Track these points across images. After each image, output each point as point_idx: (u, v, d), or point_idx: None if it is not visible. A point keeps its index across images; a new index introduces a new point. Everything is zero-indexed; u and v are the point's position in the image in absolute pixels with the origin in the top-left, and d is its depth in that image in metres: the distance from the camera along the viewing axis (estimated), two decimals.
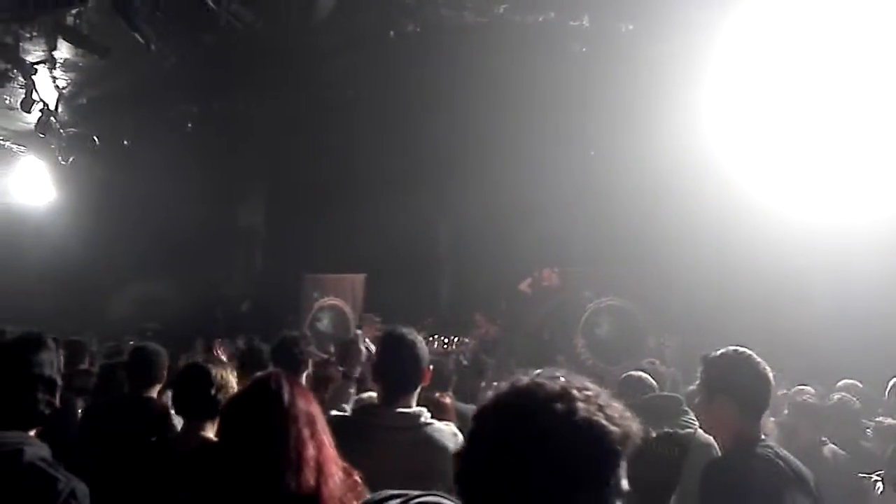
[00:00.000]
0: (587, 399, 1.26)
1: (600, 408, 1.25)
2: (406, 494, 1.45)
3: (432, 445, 2.83)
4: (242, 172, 13.06)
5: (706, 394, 2.95)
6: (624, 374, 4.63)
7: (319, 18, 6.32)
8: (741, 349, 2.97)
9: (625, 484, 1.26)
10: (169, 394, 3.54)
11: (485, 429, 1.29)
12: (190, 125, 10.18)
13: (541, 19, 7.34)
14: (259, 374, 2.29)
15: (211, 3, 6.58)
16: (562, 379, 1.30)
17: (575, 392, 1.26)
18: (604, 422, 1.24)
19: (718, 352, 2.99)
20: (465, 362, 6.93)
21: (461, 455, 1.31)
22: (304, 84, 9.33)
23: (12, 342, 2.30)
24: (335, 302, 13.19)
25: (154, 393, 4.02)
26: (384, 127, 10.64)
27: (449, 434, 2.90)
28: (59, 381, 2.32)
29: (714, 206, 10.68)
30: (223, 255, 13.39)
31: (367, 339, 3.66)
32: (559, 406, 1.24)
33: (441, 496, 1.43)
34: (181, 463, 2.79)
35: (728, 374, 2.88)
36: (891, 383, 4.49)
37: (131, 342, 6.09)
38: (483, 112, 9.67)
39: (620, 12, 7.49)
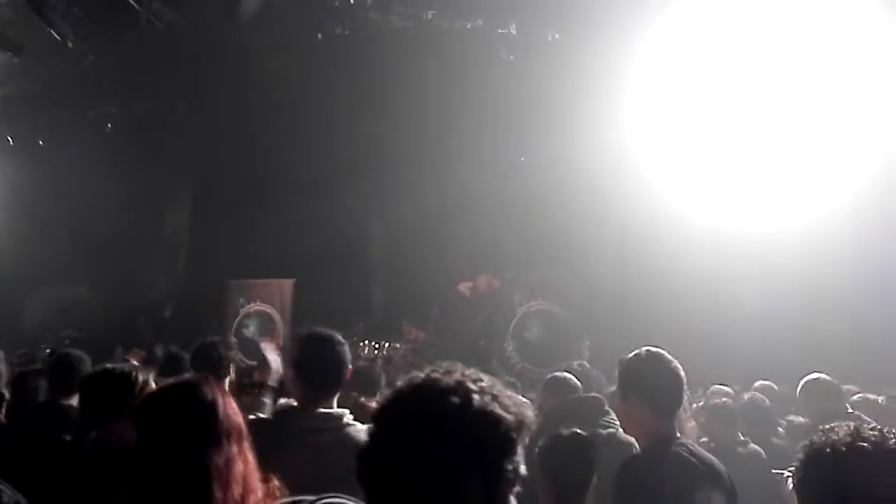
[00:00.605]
0: (482, 390, 1.30)
1: (494, 397, 1.30)
2: (302, 500, 1.46)
3: (354, 445, 2.82)
4: (166, 174, 12.71)
5: (620, 394, 3.02)
6: (549, 376, 4.70)
7: (244, 19, 6.21)
8: (653, 349, 3.02)
9: (522, 469, 1.30)
10: None
11: (383, 423, 1.32)
12: (109, 125, 9.87)
13: (469, 26, 7.40)
14: (189, 376, 2.24)
15: (132, 1, 6.41)
16: (457, 373, 1.34)
17: (470, 384, 1.30)
18: (498, 410, 1.28)
19: (632, 353, 3.06)
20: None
21: (362, 453, 1.33)
22: (229, 85, 9.17)
23: None
24: (262, 308, 12.97)
25: (75, 401, 3.88)
26: (312, 129, 10.54)
27: None
28: None
29: (639, 211, 10.96)
30: (146, 260, 13.00)
31: (273, 351, 3.59)
32: (454, 398, 1.27)
33: (342, 497, 1.43)
34: (94, 464, 2.71)
35: (639, 374, 2.93)
36: (801, 383, 4.68)
37: (47, 350, 5.87)
38: (412, 115, 9.70)
39: (547, 21, 7.62)
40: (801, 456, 1.93)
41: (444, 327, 11.81)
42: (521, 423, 1.30)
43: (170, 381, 2.29)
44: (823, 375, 4.59)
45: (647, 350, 3.03)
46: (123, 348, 9.10)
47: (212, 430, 2.07)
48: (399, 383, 1.36)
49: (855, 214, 7.81)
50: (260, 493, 2.10)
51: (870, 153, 7.71)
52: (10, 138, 9.85)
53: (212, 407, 2.11)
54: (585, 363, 6.53)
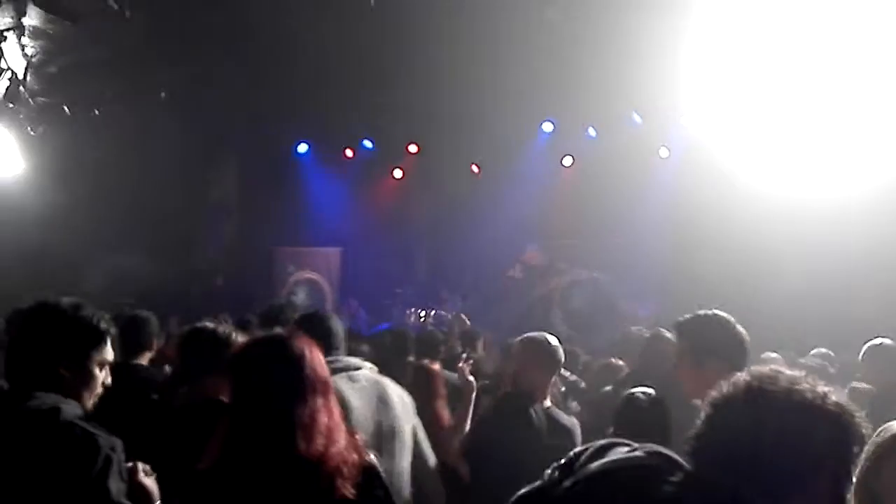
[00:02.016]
0: (826, 394, 1.41)
1: (840, 406, 1.41)
2: (630, 444, 1.55)
3: None
4: (215, 143, 12.88)
5: (693, 359, 2.95)
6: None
7: None
8: (719, 313, 3.00)
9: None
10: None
11: (735, 413, 1.41)
12: (163, 93, 9.99)
13: None
14: (279, 331, 2.31)
15: None
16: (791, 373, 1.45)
17: (819, 388, 1.42)
18: (849, 417, 1.41)
19: (696, 315, 3.00)
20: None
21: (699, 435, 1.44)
22: (277, 51, 9.20)
23: (36, 309, 2.32)
24: (311, 276, 13.18)
25: (144, 360, 4.01)
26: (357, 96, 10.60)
27: None
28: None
29: (688, 180, 10.84)
30: (197, 228, 13.23)
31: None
32: (810, 396, 1.38)
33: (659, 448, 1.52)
34: (180, 418, 2.81)
35: (718, 337, 2.90)
36: (864, 348, 4.63)
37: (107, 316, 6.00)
38: (453, 82, 9.68)
39: None
40: (869, 449, 1.98)
41: (491, 297, 11.90)
42: (863, 436, 1.43)
43: (261, 334, 2.37)
44: (887, 340, 4.53)
45: (715, 313, 2.99)
46: (179, 318, 9.30)
47: (299, 383, 2.15)
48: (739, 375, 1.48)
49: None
50: (342, 444, 2.17)
51: None
52: (66, 108, 10.01)
53: (300, 360, 2.18)
54: (642, 328, 6.52)
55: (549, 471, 1.60)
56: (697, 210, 10.35)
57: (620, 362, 5.36)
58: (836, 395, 1.41)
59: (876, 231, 7.93)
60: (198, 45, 8.89)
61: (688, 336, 2.99)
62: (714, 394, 1.47)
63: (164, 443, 2.70)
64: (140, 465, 2.28)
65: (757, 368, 1.46)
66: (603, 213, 11.75)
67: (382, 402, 3.24)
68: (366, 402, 3.16)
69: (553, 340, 3.82)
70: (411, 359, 6.23)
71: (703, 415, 1.46)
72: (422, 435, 3.46)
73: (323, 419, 2.16)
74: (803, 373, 1.47)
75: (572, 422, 3.81)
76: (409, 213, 13.72)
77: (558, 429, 3.66)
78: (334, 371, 3.13)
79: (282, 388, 2.14)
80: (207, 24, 8.20)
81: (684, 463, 1.46)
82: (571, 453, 1.59)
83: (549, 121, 12.08)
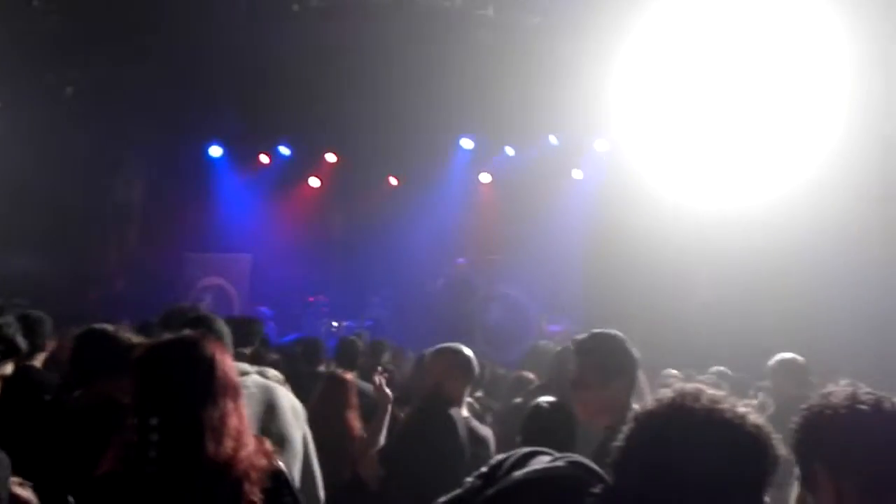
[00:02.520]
0: (745, 415, 1.44)
1: (758, 427, 1.44)
2: (552, 453, 1.57)
3: None
4: (122, 143, 12.37)
5: (599, 377, 2.94)
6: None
7: None
8: (616, 332, 3.04)
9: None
10: None
11: (658, 428, 1.43)
12: (69, 89, 9.54)
13: (447, 4, 7.38)
14: (185, 334, 2.23)
15: None
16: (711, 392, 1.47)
17: (739, 409, 1.45)
18: (766, 438, 1.43)
19: (597, 334, 3.01)
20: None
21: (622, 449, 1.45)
22: (191, 49, 8.95)
23: None
24: (219, 282, 12.81)
25: (37, 362, 3.78)
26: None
27: None
28: None
29: (600, 200, 11.16)
30: (97, 232, 12.64)
31: None
32: (729, 416, 1.41)
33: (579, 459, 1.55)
34: (75, 421, 2.67)
35: (620, 356, 2.93)
36: (772, 361, 4.85)
37: None
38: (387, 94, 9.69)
39: (529, 5, 7.67)
40: (798, 419, 2.02)
41: (407, 309, 11.89)
42: (777, 458, 1.45)
43: (169, 335, 2.27)
44: (789, 355, 4.76)
45: (613, 332, 3.03)
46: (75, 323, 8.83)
47: (209, 385, 2.10)
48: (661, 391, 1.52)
49: (809, 197, 8.08)
50: (251, 448, 2.13)
51: (824, 136, 7.98)
52: None
53: (210, 362, 2.13)
54: (550, 343, 6.61)
55: (470, 479, 1.62)
56: (609, 229, 10.64)
57: (531, 375, 5.41)
58: (753, 417, 1.45)
59: (781, 243, 8.32)
60: (109, 41, 8.54)
61: (592, 355, 2.97)
62: (637, 408, 1.52)
63: (59, 446, 2.55)
64: (14, 479, 2.14)
65: (680, 386, 1.51)
66: (518, 230, 11.94)
67: (271, 408, 3.16)
68: (254, 411, 3.06)
69: (468, 351, 3.84)
70: (322, 368, 6.14)
71: (626, 428, 1.49)
72: (311, 445, 3.41)
73: (233, 422, 2.13)
74: (724, 393, 1.52)
75: (488, 432, 3.84)
76: (325, 222, 13.55)
77: (477, 438, 3.69)
78: None
79: (192, 389, 2.09)
80: (120, 19, 7.90)
81: (604, 475, 1.50)
82: (493, 461, 1.60)
83: (468, 137, 12.21)
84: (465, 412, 3.82)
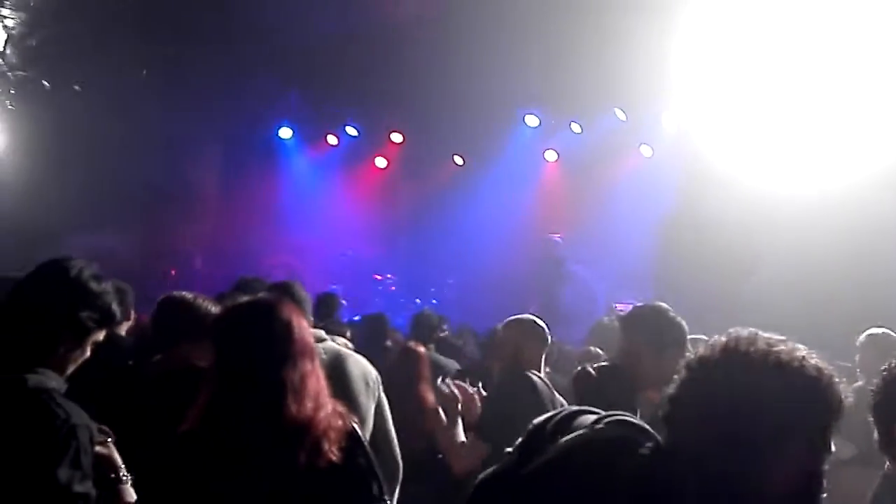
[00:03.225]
0: (804, 357, 1.36)
1: (819, 370, 1.35)
2: (598, 412, 1.50)
3: None
4: (196, 124, 12.74)
5: (655, 349, 2.97)
6: None
7: None
8: (660, 304, 3.07)
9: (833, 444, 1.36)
10: None
11: (711, 373, 1.36)
12: (145, 71, 9.86)
13: None
14: (263, 296, 2.29)
15: None
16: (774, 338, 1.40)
17: (797, 352, 1.36)
18: (827, 381, 1.34)
19: (642, 308, 3.04)
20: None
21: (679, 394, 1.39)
22: (263, 31, 9.14)
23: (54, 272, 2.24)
24: (288, 259, 13.10)
25: (121, 331, 3.96)
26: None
27: None
28: None
29: (670, 177, 10.92)
30: (174, 209, 13.08)
31: None
32: (786, 358, 1.34)
33: (626, 416, 1.49)
34: (156, 385, 2.78)
35: (675, 328, 2.97)
36: (860, 338, 4.73)
37: None
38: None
39: None
40: (877, 382, 1.99)
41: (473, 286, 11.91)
42: (840, 401, 1.36)
43: (247, 299, 2.35)
44: (881, 330, 4.63)
45: (660, 305, 3.07)
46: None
47: (288, 347, 2.15)
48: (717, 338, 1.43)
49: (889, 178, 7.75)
50: (329, 410, 2.18)
51: None
52: (45, 83, 9.85)
53: (288, 325, 2.18)
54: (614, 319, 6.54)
55: (509, 450, 1.54)
56: (680, 207, 10.43)
57: (599, 350, 5.39)
58: (814, 359, 1.36)
59: (858, 226, 8.02)
60: (180, 23, 8.78)
61: (640, 328, 3.02)
62: (690, 356, 1.42)
63: (141, 410, 2.67)
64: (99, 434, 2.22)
65: (735, 330, 1.42)
66: (585, 208, 11.80)
67: (339, 375, 3.21)
68: None
69: (537, 319, 4.01)
70: (388, 343, 6.25)
71: (677, 378, 1.41)
72: (387, 412, 3.48)
73: (312, 383, 2.18)
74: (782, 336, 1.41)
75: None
76: (392, 201, 13.69)
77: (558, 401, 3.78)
78: None
79: (271, 350, 2.14)
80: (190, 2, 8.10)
81: (652, 431, 1.42)
82: (532, 426, 1.53)
83: (533, 113, 12.08)
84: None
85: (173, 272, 12.47)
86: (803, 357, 1.35)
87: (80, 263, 2.27)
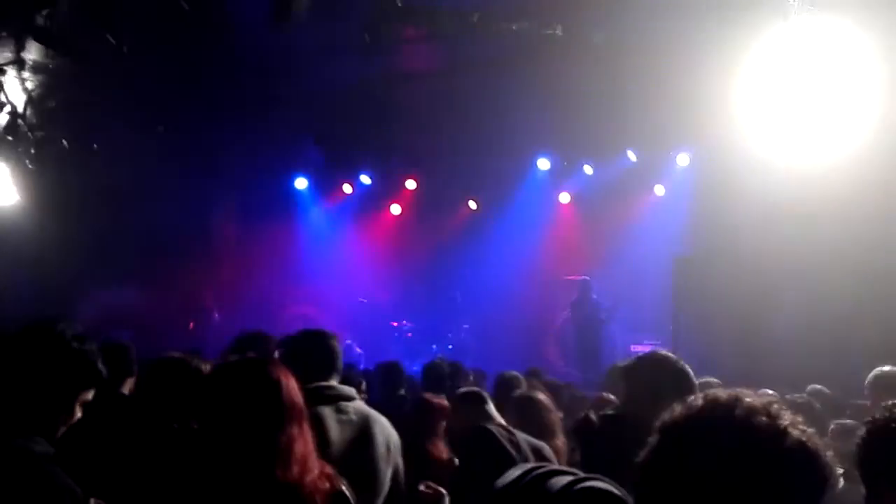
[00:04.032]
0: (794, 423, 1.23)
1: (804, 442, 1.22)
2: (575, 473, 1.41)
3: None
4: (212, 179, 12.95)
5: (652, 399, 2.91)
6: None
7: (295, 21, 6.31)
8: (665, 353, 3.03)
9: None
10: None
11: (685, 440, 1.25)
12: (161, 128, 10.07)
13: (514, 27, 7.41)
14: (251, 355, 2.26)
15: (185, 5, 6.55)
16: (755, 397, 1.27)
17: (782, 421, 1.23)
18: (816, 450, 1.22)
19: (642, 358, 2.99)
20: None
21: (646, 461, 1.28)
22: (275, 84, 9.33)
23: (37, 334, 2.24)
24: (307, 310, 13.13)
25: (125, 389, 3.96)
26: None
27: None
28: None
29: (685, 216, 10.85)
30: (193, 263, 13.22)
31: None
32: (765, 423, 1.21)
33: (607, 482, 1.40)
34: (146, 445, 2.76)
35: (675, 377, 2.91)
36: (871, 375, 4.60)
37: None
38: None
39: (595, 22, 7.61)
40: (862, 433, 1.89)
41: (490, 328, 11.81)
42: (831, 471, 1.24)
43: (234, 358, 2.32)
44: (888, 368, 4.50)
45: (663, 353, 3.05)
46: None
47: (277, 409, 2.11)
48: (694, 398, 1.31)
49: None
50: (315, 473, 2.13)
51: None
52: (64, 142, 10.08)
53: (276, 386, 2.14)
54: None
55: None
56: (696, 245, 10.36)
57: (612, 396, 5.28)
58: (800, 428, 1.24)
59: (879, 266, 7.88)
60: (195, 79, 8.98)
61: (637, 377, 2.97)
62: (664, 417, 1.31)
63: (133, 469, 2.64)
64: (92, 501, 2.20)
65: (714, 392, 1.31)
66: (600, 249, 11.77)
67: (365, 439, 3.12)
68: (347, 439, 3.05)
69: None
70: (402, 392, 6.19)
71: (649, 441, 1.30)
72: (400, 478, 3.38)
73: (299, 447, 2.13)
74: (771, 398, 1.31)
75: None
76: (407, 247, 13.74)
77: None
78: (328, 398, 3.06)
79: (259, 413, 2.10)
80: (205, 61, 8.29)
81: (624, 497, 1.35)
82: (498, 489, 1.45)
83: (545, 157, 12.14)
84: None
85: (192, 325, 12.52)
86: (787, 427, 1.23)
87: (64, 324, 2.26)
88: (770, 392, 6.02)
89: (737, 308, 9.09)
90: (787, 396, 5.43)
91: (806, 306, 8.46)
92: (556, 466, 1.47)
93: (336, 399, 3.11)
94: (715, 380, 5.22)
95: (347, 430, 3.07)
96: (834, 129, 8.11)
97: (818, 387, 6.10)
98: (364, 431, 3.13)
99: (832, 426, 4.87)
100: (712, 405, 1.27)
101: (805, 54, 7.07)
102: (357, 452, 3.06)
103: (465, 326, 12.83)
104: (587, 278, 10.73)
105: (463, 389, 4.45)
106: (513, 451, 3.45)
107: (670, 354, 3.04)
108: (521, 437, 3.67)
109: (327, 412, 3.02)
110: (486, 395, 4.18)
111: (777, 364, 7.67)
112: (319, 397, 3.01)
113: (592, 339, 10.48)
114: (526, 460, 3.34)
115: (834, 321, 8.09)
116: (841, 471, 3.76)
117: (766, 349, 8.26)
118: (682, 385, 2.88)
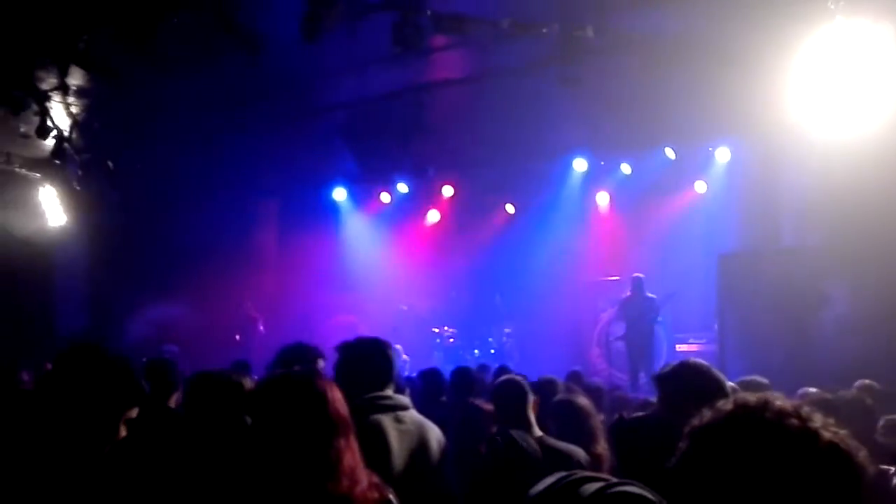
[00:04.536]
0: (826, 424, 1.23)
1: (837, 443, 1.21)
2: (607, 479, 1.41)
3: None
4: (255, 194, 13.18)
5: (690, 403, 2.89)
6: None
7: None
8: (696, 360, 2.99)
9: None
10: None
11: (714, 447, 1.25)
12: (200, 145, 10.29)
13: (545, 31, 7.39)
14: (298, 371, 2.28)
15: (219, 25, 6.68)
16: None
17: (813, 423, 1.22)
18: (848, 450, 1.21)
19: (681, 364, 2.95)
20: None
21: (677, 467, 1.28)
22: (309, 97, 9.45)
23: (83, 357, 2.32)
24: (350, 318, 13.25)
25: (172, 403, 4.05)
26: None
27: None
28: None
29: (727, 213, 10.67)
30: (238, 277, 13.45)
31: None
32: (796, 425, 1.21)
33: (640, 487, 1.39)
34: (188, 463, 2.80)
35: (709, 381, 2.86)
36: None
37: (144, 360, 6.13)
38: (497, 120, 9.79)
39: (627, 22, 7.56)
40: None
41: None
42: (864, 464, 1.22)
43: (279, 373, 2.35)
44: None
45: (693, 361, 2.99)
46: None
47: (323, 423, 2.13)
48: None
49: None
50: (364, 485, 2.15)
51: None
52: (110, 163, 10.35)
53: (323, 400, 2.16)
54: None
55: None
56: (739, 241, 10.18)
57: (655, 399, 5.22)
58: (833, 430, 1.23)
59: None
60: (232, 96, 9.15)
61: (672, 384, 2.92)
62: (694, 422, 1.31)
63: (177, 486, 2.69)
64: None
65: (742, 396, 1.31)
66: (640, 248, 11.64)
67: (423, 446, 3.18)
68: (407, 446, 3.10)
69: None
70: (444, 399, 6.19)
71: (680, 447, 1.29)
72: (447, 479, 3.41)
73: (347, 460, 2.14)
74: (803, 403, 1.29)
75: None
76: (447, 254, 13.78)
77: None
78: (384, 408, 3.11)
79: (308, 427, 2.10)
80: (240, 76, 8.44)
81: (657, 502, 1.33)
82: (533, 492, 1.46)
83: (581, 157, 12.05)
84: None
85: (238, 337, 12.73)
86: (818, 429, 1.22)
87: (101, 347, 2.33)
88: (812, 390, 5.90)
89: (783, 304, 8.89)
90: (840, 392, 5.31)
91: (854, 301, 8.23)
92: (588, 473, 1.46)
93: (394, 409, 3.15)
94: (763, 379, 5.14)
95: (406, 439, 3.12)
96: (879, 120, 7.91)
97: (868, 381, 5.95)
98: (421, 440, 3.18)
99: (882, 421, 4.75)
100: (742, 409, 1.27)
101: (850, 51, 6.92)
102: (417, 461, 3.11)
103: (507, 330, 12.82)
104: (640, 275, 10.58)
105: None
106: (532, 457, 3.46)
107: (703, 362, 3.00)
108: (551, 442, 3.67)
109: (387, 422, 3.07)
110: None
111: (826, 360, 7.49)
112: (378, 407, 3.08)
113: (644, 338, 10.32)
114: (550, 466, 3.35)
115: (883, 315, 7.87)
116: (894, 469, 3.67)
117: (815, 346, 8.06)
118: (716, 391, 2.84)
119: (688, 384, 2.83)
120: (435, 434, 3.29)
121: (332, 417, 2.14)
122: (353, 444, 2.20)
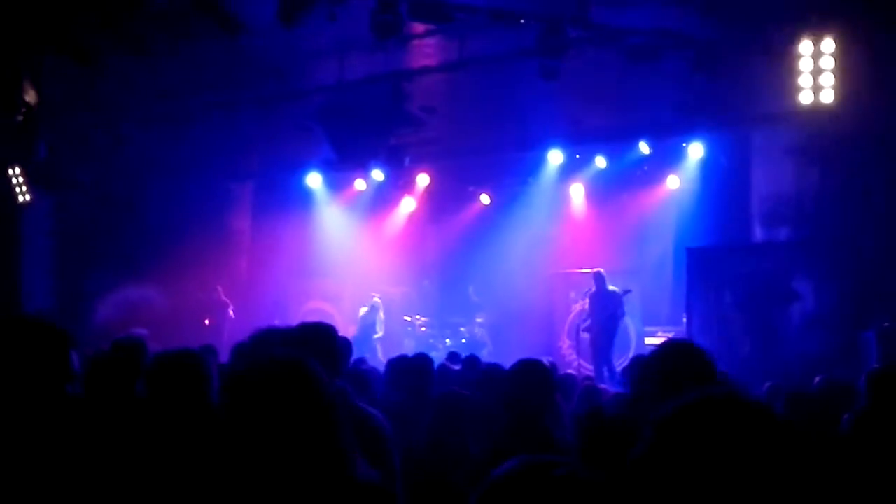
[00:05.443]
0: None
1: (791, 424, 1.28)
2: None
3: None
4: (229, 178, 13.05)
5: (666, 385, 2.93)
6: None
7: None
8: (682, 340, 3.03)
9: None
10: None
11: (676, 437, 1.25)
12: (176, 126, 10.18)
13: (522, 21, 7.42)
14: (282, 355, 2.15)
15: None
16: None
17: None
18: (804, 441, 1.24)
19: (664, 346, 2.99)
20: None
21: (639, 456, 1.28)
22: (287, 83, 9.38)
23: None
24: (322, 305, 13.22)
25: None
26: None
27: None
28: None
29: (702, 200, 10.77)
30: (211, 260, 13.32)
31: None
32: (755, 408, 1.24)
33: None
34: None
35: (692, 364, 2.91)
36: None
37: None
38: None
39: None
40: None
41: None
42: None
43: (266, 356, 2.29)
44: None
45: (684, 341, 3.03)
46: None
47: (328, 408, 2.01)
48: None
49: None
50: (361, 466, 2.12)
51: None
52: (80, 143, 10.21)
53: (317, 380, 2.01)
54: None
55: None
56: (709, 237, 10.31)
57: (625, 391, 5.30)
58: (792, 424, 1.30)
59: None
60: (210, 80, 9.05)
61: (651, 367, 2.95)
62: (659, 412, 1.29)
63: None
64: None
65: (708, 388, 1.31)
66: (612, 241, 11.75)
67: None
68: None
69: None
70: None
71: (643, 438, 1.28)
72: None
73: (353, 445, 2.08)
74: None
75: None
76: (420, 242, 13.78)
77: None
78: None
79: (316, 414, 1.94)
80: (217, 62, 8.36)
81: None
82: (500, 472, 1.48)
83: (556, 149, 12.09)
84: None
85: (207, 322, 12.63)
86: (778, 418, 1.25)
87: (32, 320, 2.36)
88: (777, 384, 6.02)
89: (751, 298, 9.04)
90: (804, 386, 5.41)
91: (819, 296, 8.41)
92: (553, 457, 1.49)
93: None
94: (727, 372, 5.23)
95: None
96: (848, 119, 8.05)
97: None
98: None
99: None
100: (706, 401, 1.27)
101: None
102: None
103: (479, 320, 12.87)
104: (601, 270, 10.68)
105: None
106: None
107: (692, 343, 3.01)
108: None
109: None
110: None
111: (791, 354, 7.65)
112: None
113: (606, 332, 10.44)
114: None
115: (847, 310, 8.04)
116: None
117: (781, 339, 8.22)
118: (704, 374, 2.86)
119: (675, 364, 2.84)
120: None
121: (328, 399, 2.01)
122: (348, 425, 2.14)
